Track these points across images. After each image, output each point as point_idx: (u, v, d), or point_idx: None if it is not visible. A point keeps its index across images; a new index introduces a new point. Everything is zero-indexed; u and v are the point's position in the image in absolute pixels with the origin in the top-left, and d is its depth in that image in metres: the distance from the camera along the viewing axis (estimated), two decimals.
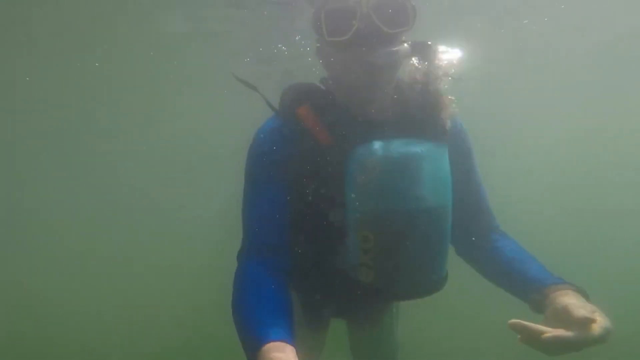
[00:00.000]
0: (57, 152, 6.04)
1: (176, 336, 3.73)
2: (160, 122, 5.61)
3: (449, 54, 1.14)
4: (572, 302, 1.00)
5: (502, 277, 1.25)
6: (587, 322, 0.94)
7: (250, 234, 1.14)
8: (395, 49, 1.11)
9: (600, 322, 0.95)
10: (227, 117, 4.91)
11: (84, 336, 3.82)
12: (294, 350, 0.87)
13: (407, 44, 1.14)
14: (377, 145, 1.09)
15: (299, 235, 1.18)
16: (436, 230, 1.14)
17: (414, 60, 1.15)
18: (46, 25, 3.99)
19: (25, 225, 5.63)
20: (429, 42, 1.15)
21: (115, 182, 5.71)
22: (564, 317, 0.98)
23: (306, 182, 1.15)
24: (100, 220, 5.56)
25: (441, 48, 1.15)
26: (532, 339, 0.95)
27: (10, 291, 4.56)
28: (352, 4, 1.08)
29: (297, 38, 3.77)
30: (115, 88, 5.13)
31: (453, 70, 1.14)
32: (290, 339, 0.91)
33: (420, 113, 1.14)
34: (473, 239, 1.32)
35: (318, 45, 1.21)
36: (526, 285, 1.15)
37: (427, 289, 1.21)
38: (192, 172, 5.76)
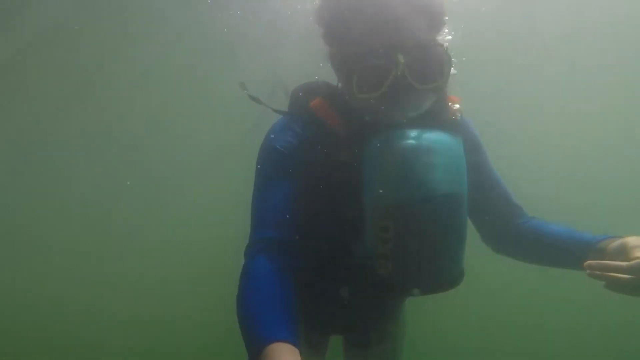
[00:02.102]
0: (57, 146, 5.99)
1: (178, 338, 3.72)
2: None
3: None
4: (627, 239, 1.04)
5: (549, 252, 1.26)
6: None
7: (258, 230, 1.13)
8: (424, 102, 1.10)
9: None
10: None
11: (88, 335, 3.82)
12: (298, 352, 0.86)
13: (435, 91, 1.12)
14: (394, 133, 1.10)
15: (315, 230, 1.17)
16: (454, 218, 1.13)
17: None
18: None
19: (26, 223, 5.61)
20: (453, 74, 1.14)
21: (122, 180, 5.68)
22: (623, 254, 1.01)
23: (321, 175, 1.15)
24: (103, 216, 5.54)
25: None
26: (615, 279, 0.97)
27: (15, 289, 4.56)
28: (386, 63, 1.04)
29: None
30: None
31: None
32: (294, 340, 0.89)
33: (432, 107, 1.15)
34: (502, 230, 1.33)
35: (332, 59, 1.18)
36: (578, 250, 1.15)
37: (443, 282, 1.17)
38: (195, 171, 5.73)
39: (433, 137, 1.10)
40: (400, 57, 1.02)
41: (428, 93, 1.09)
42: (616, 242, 1.05)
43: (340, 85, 1.19)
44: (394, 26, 1.04)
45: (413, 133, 1.09)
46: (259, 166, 1.18)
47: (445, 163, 1.10)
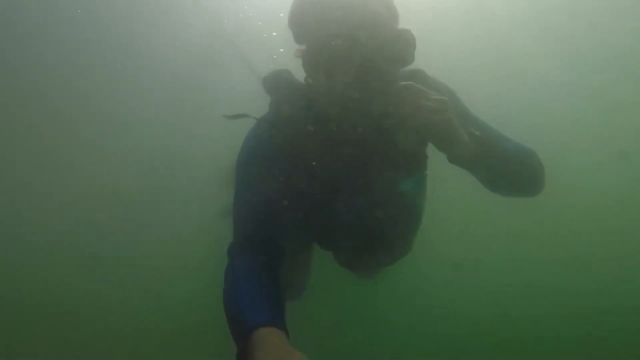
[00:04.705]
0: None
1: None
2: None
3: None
4: None
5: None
6: None
7: (241, 228, 1.16)
8: (390, 94, 1.05)
9: None
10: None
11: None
12: (285, 335, 0.88)
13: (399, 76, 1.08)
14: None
15: (287, 223, 1.22)
16: (407, 239, 1.42)
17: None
18: None
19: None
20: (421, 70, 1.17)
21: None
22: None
23: (296, 180, 1.19)
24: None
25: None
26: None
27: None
28: (348, 43, 1.01)
29: None
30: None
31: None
32: (282, 324, 0.91)
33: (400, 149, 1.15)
34: None
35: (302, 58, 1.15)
36: None
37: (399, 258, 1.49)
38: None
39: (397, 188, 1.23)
40: (362, 35, 1.00)
41: (394, 76, 1.06)
42: None
43: (308, 81, 1.18)
44: (351, 7, 1.02)
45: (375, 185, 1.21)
46: (238, 165, 1.22)
47: (405, 207, 1.30)
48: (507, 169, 1.16)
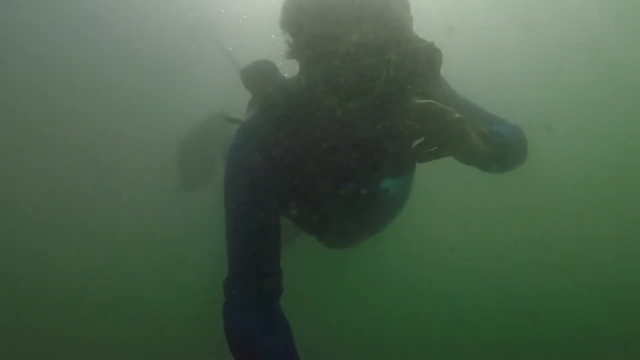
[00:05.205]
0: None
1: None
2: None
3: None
4: None
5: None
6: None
7: (237, 263, 1.05)
8: (407, 112, 0.91)
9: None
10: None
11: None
12: None
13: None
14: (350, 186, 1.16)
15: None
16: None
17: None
18: None
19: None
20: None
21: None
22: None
23: (293, 199, 1.12)
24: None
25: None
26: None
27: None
28: (375, 63, 0.86)
29: None
30: None
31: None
32: None
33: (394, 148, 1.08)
34: None
35: (304, 63, 0.99)
36: None
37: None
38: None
39: (385, 186, 1.21)
40: (392, 56, 0.86)
41: (414, 95, 0.93)
42: None
43: (307, 89, 1.02)
44: (379, 19, 0.88)
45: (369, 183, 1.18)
46: (227, 190, 1.07)
47: (394, 205, 1.31)
48: (503, 155, 1.15)
